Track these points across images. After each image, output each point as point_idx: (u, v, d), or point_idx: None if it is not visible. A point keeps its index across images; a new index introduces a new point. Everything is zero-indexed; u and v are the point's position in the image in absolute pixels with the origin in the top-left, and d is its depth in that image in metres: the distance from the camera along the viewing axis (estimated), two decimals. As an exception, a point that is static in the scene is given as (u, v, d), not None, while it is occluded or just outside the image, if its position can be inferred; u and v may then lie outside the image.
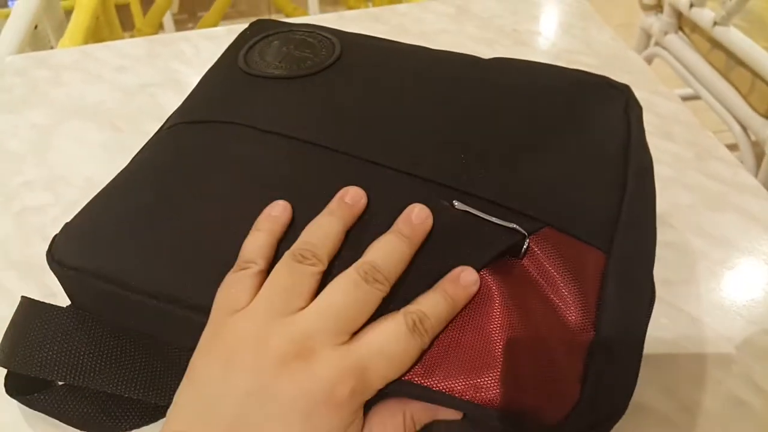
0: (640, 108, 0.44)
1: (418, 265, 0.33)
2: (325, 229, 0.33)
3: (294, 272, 0.31)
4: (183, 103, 0.45)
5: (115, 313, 0.36)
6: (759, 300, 0.46)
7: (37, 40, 0.86)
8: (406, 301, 0.32)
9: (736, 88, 1.15)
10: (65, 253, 0.36)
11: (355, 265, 0.32)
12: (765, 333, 0.44)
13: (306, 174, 0.37)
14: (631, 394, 0.31)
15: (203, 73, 0.48)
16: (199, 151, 0.40)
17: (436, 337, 0.31)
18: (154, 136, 0.43)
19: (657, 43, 1.35)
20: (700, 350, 0.43)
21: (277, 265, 0.32)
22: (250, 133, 0.40)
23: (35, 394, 0.36)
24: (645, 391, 0.40)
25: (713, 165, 0.56)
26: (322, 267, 0.32)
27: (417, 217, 0.33)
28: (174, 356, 0.36)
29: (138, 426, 0.38)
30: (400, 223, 0.34)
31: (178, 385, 0.31)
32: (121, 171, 0.41)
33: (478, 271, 0.33)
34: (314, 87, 0.43)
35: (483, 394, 0.29)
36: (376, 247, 0.33)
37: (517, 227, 0.34)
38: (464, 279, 0.32)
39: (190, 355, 0.31)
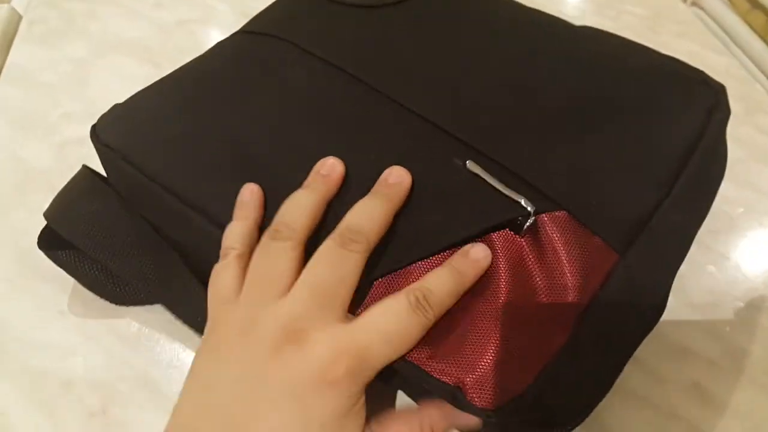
0: (728, 113, 0.39)
1: (408, 223, 0.32)
2: (298, 204, 0.32)
3: (270, 252, 0.31)
4: (258, 13, 0.46)
5: (136, 198, 0.37)
6: (806, 252, 0.46)
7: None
8: (395, 262, 0.31)
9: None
10: (103, 130, 0.38)
11: (334, 232, 0.31)
12: (813, 284, 0.44)
13: (341, 106, 0.37)
14: (587, 409, 0.30)
15: (241, 10, 0.48)
16: (247, 62, 0.40)
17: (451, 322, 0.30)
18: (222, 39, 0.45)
19: (693, 3, 1.32)
20: (745, 297, 0.43)
21: (256, 248, 0.32)
22: (302, 55, 0.40)
23: (59, 252, 0.39)
24: (691, 335, 0.40)
25: (763, 119, 0.56)
26: (298, 240, 0.31)
27: (395, 178, 0.32)
28: (175, 259, 0.36)
29: (139, 303, 0.40)
30: (378, 184, 0.32)
31: (176, 284, 0.34)
32: (179, 68, 0.42)
33: (470, 237, 0.31)
34: (381, 21, 0.43)
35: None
36: (352, 210, 0.31)
37: (525, 202, 0.31)
38: (474, 254, 0.31)
39: (189, 260, 0.33)
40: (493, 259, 0.31)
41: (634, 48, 0.42)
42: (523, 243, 0.31)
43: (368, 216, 0.31)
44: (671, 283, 0.34)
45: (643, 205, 0.33)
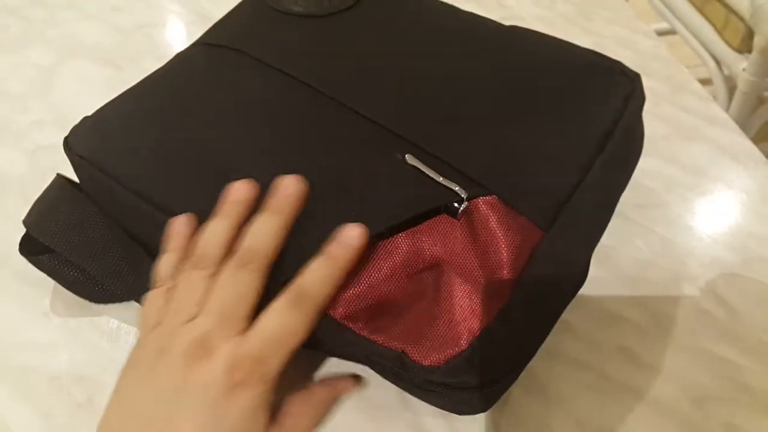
0: (643, 99, 0.44)
1: (355, 210, 0.35)
2: (215, 234, 0.35)
3: (191, 281, 0.34)
4: (215, 23, 0.50)
5: (109, 204, 0.41)
6: (725, 222, 0.50)
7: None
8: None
9: (711, 23, 1.17)
10: (75, 141, 0.42)
11: (233, 255, 0.34)
12: (729, 251, 0.49)
13: (291, 111, 0.41)
14: (517, 365, 0.34)
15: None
16: (205, 73, 0.44)
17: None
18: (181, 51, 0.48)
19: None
20: (670, 267, 0.47)
21: (180, 278, 0.35)
22: (253, 64, 0.44)
23: (40, 256, 0.42)
24: (622, 303, 0.45)
25: (687, 99, 0.60)
26: (215, 268, 0.34)
27: (284, 190, 0.35)
28: (147, 259, 0.40)
29: (117, 301, 0.43)
30: (269, 197, 0.35)
31: (137, 282, 0.39)
32: (142, 80, 0.45)
33: (408, 224, 0.35)
34: (325, 29, 0.46)
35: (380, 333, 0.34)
36: (250, 230, 0.35)
37: (458, 189, 0.35)
38: (344, 236, 0.34)
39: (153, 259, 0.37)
40: (434, 240, 0.35)
41: (558, 44, 0.47)
42: (459, 225, 0.36)
43: (263, 234, 0.34)
44: (591, 254, 0.38)
45: (564, 185, 0.37)
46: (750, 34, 1.07)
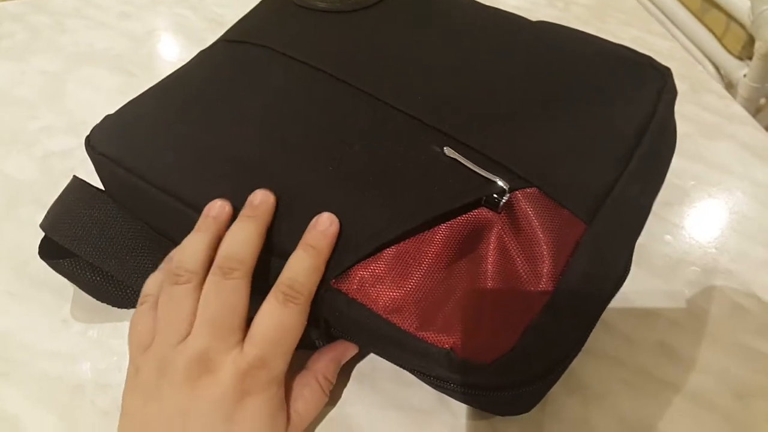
0: (675, 92, 0.43)
1: (393, 202, 0.35)
2: (192, 247, 0.34)
3: (172, 297, 0.33)
4: (238, 20, 0.49)
5: (133, 202, 0.40)
6: (751, 216, 0.50)
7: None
8: (391, 231, 0.34)
9: (711, 30, 1.18)
10: (97, 139, 0.41)
11: (214, 265, 0.34)
12: (759, 246, 0.48)
13: (323, 105, 0.40)
14: (564, 361, 0.34)
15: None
16: (230, 68, 0.43)
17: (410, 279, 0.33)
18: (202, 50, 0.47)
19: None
20: (701, 263, 0.47)
21: (161, 294, 0.34)
22: (280, 58, 0.43)
23: (60, 260, 0.41)
24: (655, 298, 0.44)
25: (707, 97, 0.60)
26: (198, 280, 0.33)
27: (259, 199, 0.35)
28: (169, 251, 0.38)
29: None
30: (245, 208, 0.35)
31: None
32: (164, 78, 0.44)
33: (454, 215, 0.34)
34: (352, 24, 0.46)
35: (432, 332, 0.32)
36: (226, 239, 0.34)
37: (499, 181, 0.35)
38: (320, 224, 0.34)
39: None
40: (476, 233, 0.35)
41: (587, 38, 0.46)
42: (501, 218, 0.35)
43: (241, 242, 0.34)
44: (633, 248, 0.37)
45: (604, 179, 0.37)
46: (751, 41, 1.08)
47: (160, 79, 0.45)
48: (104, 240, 0.39)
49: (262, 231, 0.34)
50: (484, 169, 0.35)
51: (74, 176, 0.43)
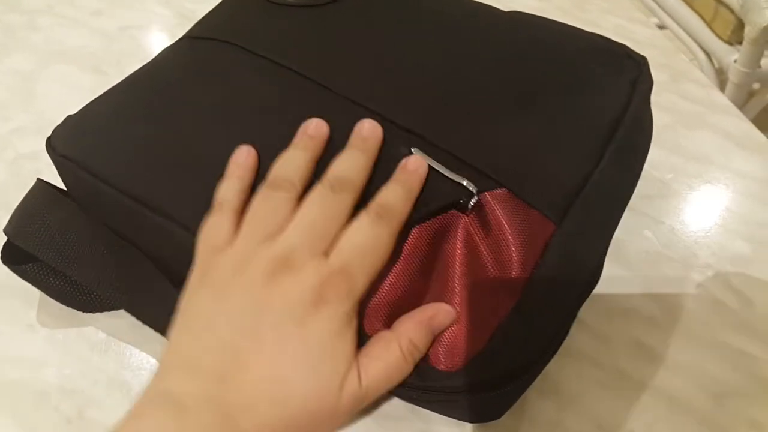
0: (650, 83, 0.42)
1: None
2: (294, 161, 0.34)
3: (270, 200, 0.33)
4: (204, 16, 0.47)
5: (97, 206, 0.39)
6: (733, 210, 0.49)
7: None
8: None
9: (700, 16, 1.17)
10: (59, 141, 0.39)
11: (322, 180, 0.33)
12: (740, 239, 0.47)
13: (288, 102, 0.39)
14: (535, 365, 0.33)
15: (184, 15, 0.49)
16: (191, 66, 0.42)
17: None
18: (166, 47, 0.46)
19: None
20: (681, 258, 0.46)
21: (254, 198, 0.33)
22: (243, 54, 0.41)
23: (23, 265, 0.40)
24: (633, 296, 0.43)
25: (688, 87, 0.59)
26: (296, 192, 0.33)
27: (368, 131, 0.35)
28: (141, 259, 0.38)
29: (106, 309, 0.41)
30: (354, 138, 0.35)
31: (143, 286, 0.36)
32: (128, 76, 0.43)
33: (421, 220, 0.33)
34: (320, 18, 0.44)
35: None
36: (338, 161, 0.34)
37: (467, 183, 0.34)
38: (411, 164, 0.34)
39: (154, 263, 0.36)
40: (445, 236, 0.34)
41: (560, 28, 0.45)
42: (469, 220, 0.34)
43: (358, 168, 0.33)
44: (607, 246, 0.36)
45: (575, 176, 0.35)
46: (740, 26, 1.06)
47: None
48: (66, 244, 0.38)
49: (372, 162, 0.34)
50: (452, 170, 0.34)
51: (38, 179, 0.42)
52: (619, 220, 0.38)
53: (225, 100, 0.39)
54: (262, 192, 0.33)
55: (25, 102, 0.58)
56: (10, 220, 0.40)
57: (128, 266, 0.38)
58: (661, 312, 0.43)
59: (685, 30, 1.21)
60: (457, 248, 0.33)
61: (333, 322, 0.29)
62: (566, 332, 0.36)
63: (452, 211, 0.34)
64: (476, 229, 0.34)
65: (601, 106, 0.39)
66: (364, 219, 0.32)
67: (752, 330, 0.42)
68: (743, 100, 1.14)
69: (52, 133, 0.40)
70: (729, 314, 0.43)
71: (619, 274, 0.45)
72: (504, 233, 0.33)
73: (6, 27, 0.67)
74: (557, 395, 0.39)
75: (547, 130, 0.37)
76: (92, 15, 0.68)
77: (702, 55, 1.18)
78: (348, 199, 0.32)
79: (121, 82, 0.43)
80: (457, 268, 0.33)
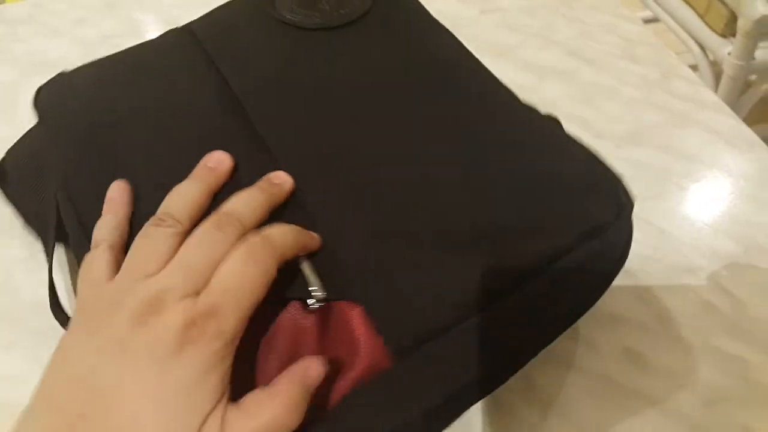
0: (626, 230, 0.37)
1: None
2: (186, 195, 0.33)
3: (150, 237, 0.32)
4: (212, 9, 0.48)
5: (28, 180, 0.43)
6: (723, 210, 0.48)
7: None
8: None
9: (694, 9, 1.16)
10: (44, 93, 0.44)
11: (210, 216, 0.32)
12: (730, 240, 0.46)
13: (202, 126, 0.38)
14: None
15: (169, 22, 0.50)
16: (160, 52, 0.45)
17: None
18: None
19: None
20: (670, 260, 0.45)
21: (137, 236, 0.33)
22: (203, 62, 0.42)
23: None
24: (622, 301, 0.43)
25: (677, 84, 0.58)
26: (181, 228, 0.32)
27: (279, 179, 0.35)
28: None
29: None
30: (262, 180, 0.35)
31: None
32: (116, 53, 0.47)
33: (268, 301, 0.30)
34: (301, 45, 0.42)
35: None
36: (234, 198, 0.33)
37: (317, 290, 0.31)
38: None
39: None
40: (282, 327, 0.32)
41: (552, 147, 0.38)
42: (311, 319, 0.32)
43: (249, 205, 0.33)
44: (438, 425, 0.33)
45: (436, 322, 0.30)
46: (733, 18, 1.06)
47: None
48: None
49: (266, 206, 0.33)
50: (311, 264, 0.32)
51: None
52: (477, 393, 0.34)
53: (166, 105, 0.40)
54: (145, 228, 0.32)
55: (7, 113, 0.58)
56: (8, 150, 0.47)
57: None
58: (651, 317, 0.42)
59: (679, 23, 1.20)
60: (287, 342, 0.32)
61: (195, 365, 0.28)
62: None
63: (297, 304, 0.32)
64: (315, 331, 0.32)
65: (521, 250, 0.32)
66: (234, 256, 0.30)
67: (744, 333, 0.41)
68: (739, 93, 1.13)
69: (44, 84, 0.45)
70: (719, 317, 0.42)
71: (607, 278, 0.44)
72: (336, 349, 0.31)
73: (-12, 38, 0.67)
74: (542, 403, 0.38)
75: (439, 262, 0.32)
76: (73, 24, 0.68)
77: (696, 49, 1.17)
78: (232, 237, 0.31)
79: (108, 57, 0.46)
80: (285, 363, 0.31)
